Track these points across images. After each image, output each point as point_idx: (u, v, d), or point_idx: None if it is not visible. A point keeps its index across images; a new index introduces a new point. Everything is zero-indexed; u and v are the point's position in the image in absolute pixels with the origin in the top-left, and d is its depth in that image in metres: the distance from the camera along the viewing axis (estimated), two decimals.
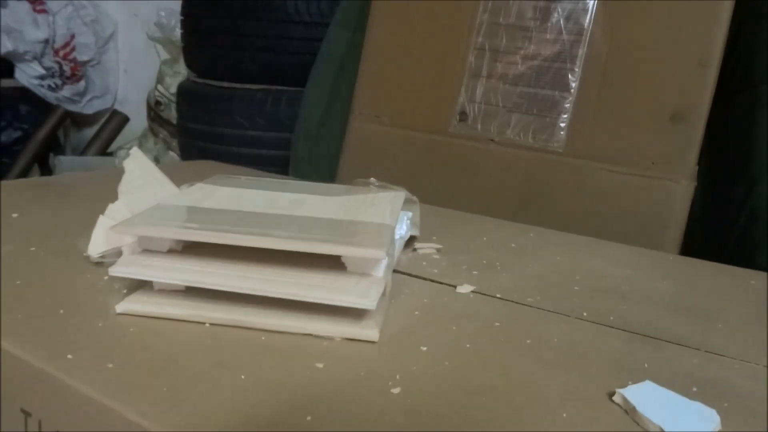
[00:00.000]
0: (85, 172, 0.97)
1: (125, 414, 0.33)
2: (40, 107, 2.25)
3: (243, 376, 0.37)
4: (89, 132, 2.43)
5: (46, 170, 2.23)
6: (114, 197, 0.57)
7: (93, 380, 0.35)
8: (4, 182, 0.74)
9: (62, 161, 2.19)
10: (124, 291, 0.48)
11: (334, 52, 1.25)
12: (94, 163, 2.24)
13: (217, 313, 0.44)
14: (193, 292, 0.46)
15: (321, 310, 0.45)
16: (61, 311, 0.43)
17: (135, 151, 0.61)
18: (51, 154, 2.25)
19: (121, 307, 0.44)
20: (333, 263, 0.47)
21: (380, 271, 0.47)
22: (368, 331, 0.44)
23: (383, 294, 0.47)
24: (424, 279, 0.55)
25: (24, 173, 2.14)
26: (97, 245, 0.53)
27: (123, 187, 0.58)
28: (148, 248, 0.48)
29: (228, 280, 0.45)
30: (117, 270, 0.45)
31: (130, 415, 0.32)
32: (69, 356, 0.37)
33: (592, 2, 0.97)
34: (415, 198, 0.62)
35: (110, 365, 0.37)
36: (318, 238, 0.47)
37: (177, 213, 0.51)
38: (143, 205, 0.54)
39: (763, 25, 0.93)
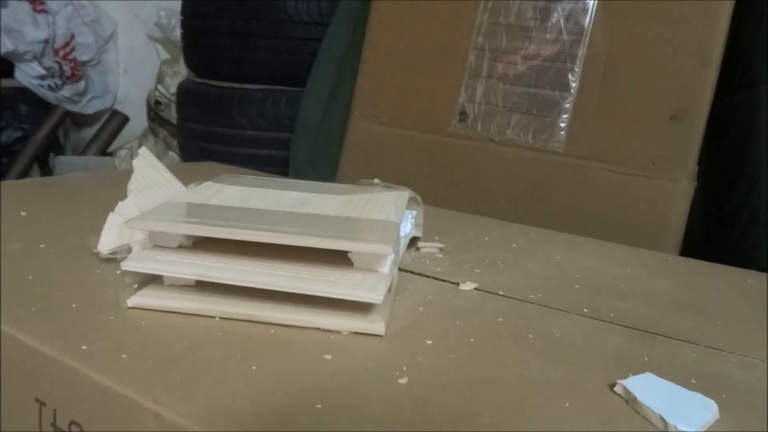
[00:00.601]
0: (87, 171, 0.97)
1: (141, 402, 0.33)
2: (40, 107, 2.25)
3: (254, 367, 0.37)
4: (89, 132, 2.43)
5: (46, 170, 2.23)
6: (119, 196, 0.57)
7: (108, 370, 0.36)
8: (11, 182, 0.75)
9: (62, 161, 2.19)
10: (135, 286, 0.48)
11: (334, 52, 1.25)
12: (94, 163, 2.24)
13: (226, 307, 0.45)
14: (202, 287, 0.47)
15: (329, 305, 0.45)
16: (74, 305, 0.44)
17: (144, 151, 0.62)
18: (51, 154, 2.25)
19: (132, 301, 0.45)
20: (340, 260, 0.47)
21: (386, 267, 0.47)
22: (375, 325, 0.44)
23: (389, 290, 0.47)
24: (428, 277, 0.56)
25: (24, 173, 2.14)
26: (107, 242, 0.53)
27: (132, 185, 0.58)
28: (158, 244, 0.49)
29: (238, 274, 0.45)
30: (129, 265, 0.46)
31: (146, 403, 0.33)
32: (83, 347, 0.38)
33: (592, 2, 0.97)
34: (418, 198, 0.62)
35: (124, 356, 0.37)
36: (326, 234, 0.47)
37: (187, 210, 0.52)
38: (152, 203, 0.55)
39: (763, 25, 0.93)
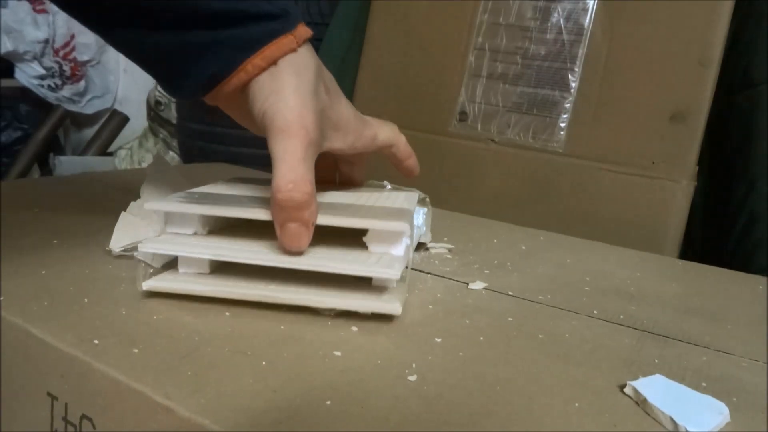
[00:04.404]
0: (94, 171, 0.97)
1: (152, 396, 0.33)
2: (40, 107, 2.25)
3: (264, 363, 0.37)
4: (89, 132, 2.43)
5: (46, 170, 2.23)
6: (128, 195, 0.57)
7: (119, 364, 0.36)
8: (20, 180, 0.75)
9: (62, 161, 2.19)
10: (150, 270, 0.49)
11: (334, 52, 1.25)
12: (94, 163, 2.25)
13: (241, 290, 0.45)
14: (217, 273, 0.48)
15: (344, 286, 0.46)
16: (86, 300, 0.44)
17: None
18: (51, 154, 2.26)
19: (147, 285, 0.45)
20: (354, 243, 0.48)
21: (401, 248, 0.48)
22: (391, 305, 0.45)
23: (403, 279, 0.48)
24: (437, 275, 0.56)
25: (24, 173, 2.14)
26: (119, 239, 0.53)
27: (145, 187, 0.59)
28: (174, 231, 0.49)
29: (254, 254, 0.46)
30: (145, 247, 0.46)
31: (157, 397, 0.33)
32: (95, 341, 0.38)
33: (592, 2, 0.97)
34: (428, 200, 0.62)
35: (135, 350, 0.37)
36: (342, 214, 0.48)
37: (204, 197, 0.52)
38: None
39: (763, 25, 0.94)
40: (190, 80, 0.52)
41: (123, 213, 0.55)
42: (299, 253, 0.46)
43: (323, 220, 0.46)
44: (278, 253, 0.46)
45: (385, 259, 0.47)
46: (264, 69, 0.49)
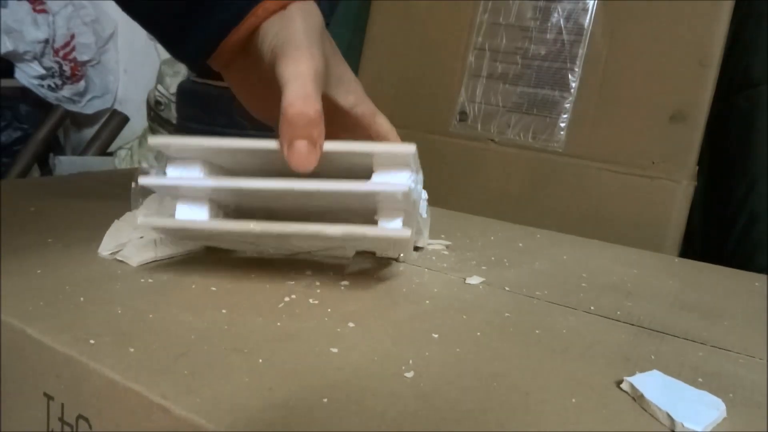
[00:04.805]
0: (92, 171, 0.97)
1: (148, 396, 0.33)
2: (40, 107, 2.25)
3: (260, 360, 0.37)
4: (89, 132, 2.43)
5: (46, 170, 2.23)
6: (126, 195, 0.57)
7: (115, 364, 0.36)
8: (18, 180, 0.76)
9: (62, 161, 2.19)
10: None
11: None
12: (94, 163, 2.25)
13: (244, 225, 0.46)
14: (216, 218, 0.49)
15: (351, 218, 0.46)
16: (82, 299, 0.44)
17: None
18: (51, 154, 2.26)
19: (142, 220, 0.46)
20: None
21: (409, 176, 0.47)
22: (402, 231, 0.45)
23: (417, 230, 0.49)
24: (434, 271, 0.56)
25: (24, 173, 2.14)
26: (108, 243, 0.54)
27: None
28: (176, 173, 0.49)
29: (259, 182, 0.46)
30: (146, 180, 0.47)
31: (153, 397, 0.33)
32: (91, 341, 0.38)
33: (592, 2, 0.97)
34: (426, 198, 0.62)
35: (131, 350, 0.37)
36: (348, 145, 0.48)
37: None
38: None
39: (763, 25, 0.93)
40: (201, 32, 0.53)
41: (116, 221, 0.56)
42: (306, 176, 0.45)
43: (329, 146, 0.46)
44: (283, 180, 0.46)
45: (392, 180, 0.46)
46: (274, 12, 0.50)
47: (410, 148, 0.45)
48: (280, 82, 0.47)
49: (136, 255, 0.51)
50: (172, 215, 0.49)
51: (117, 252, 0.53)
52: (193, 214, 0.49)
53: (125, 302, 0.44)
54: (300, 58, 0.47)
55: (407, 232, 0.45)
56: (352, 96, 0.55)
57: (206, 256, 0.55)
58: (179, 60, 0.60)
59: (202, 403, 0.33)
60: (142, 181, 0.47)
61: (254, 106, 0.58)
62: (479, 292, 0.52)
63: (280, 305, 0.46)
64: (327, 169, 0.46)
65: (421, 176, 0.55)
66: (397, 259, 0.58)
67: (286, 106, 0.45)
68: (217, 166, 0.50)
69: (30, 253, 0.53)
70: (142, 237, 0.54)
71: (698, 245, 1.03)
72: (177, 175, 0.48)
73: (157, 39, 0.58)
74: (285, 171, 0.45)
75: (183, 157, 0.48)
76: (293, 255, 0.57)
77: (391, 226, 0.46)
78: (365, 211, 0.48)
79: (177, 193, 0.49)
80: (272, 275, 0.52)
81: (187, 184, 0.48)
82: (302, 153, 0.45)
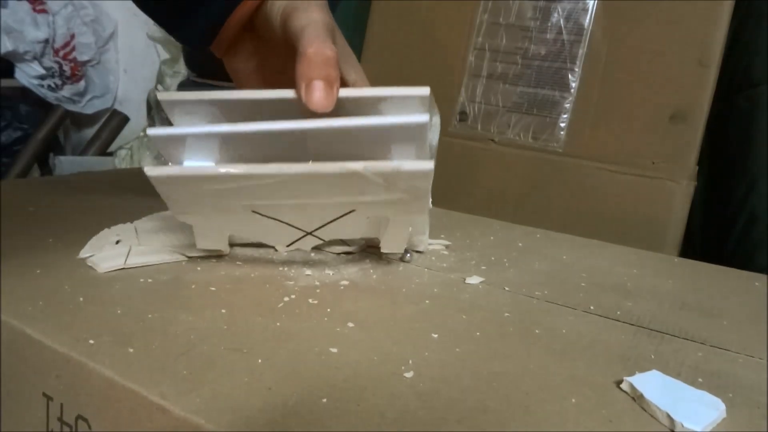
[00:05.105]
0: (92, 171, 0.97)
1: (147, 396, 0.33)
2: (40, 107, 2.25)
3: (259, 360, 0.37)
4: (89, 132, 2.43)
5: (46, 170, 2.23)
6: (126, 196, 0.57)
7: (115, 364, 0.36)
8: (18, 180, 0.76)
9: (62, 161, 2.19)
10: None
11: None
12: (94, 163, 2.25)
13: (259, 169, 0.45)
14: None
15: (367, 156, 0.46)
16: (81, 299, 0.44)
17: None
18: (51, 154, 2.26)
19: (149, 170, 0.45)
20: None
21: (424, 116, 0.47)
22: (423, 164, 0.45)
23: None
24: (434, 271, 0.56)
25: (24, 173, 2.14)
26: (87, 250, 0.53)
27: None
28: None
29: (277, 124, 0.45)
30: (154, 131, 0.47)
31: (153, 397, 0.33)
32: (90, 341, 0.38)
33: (592, 2, 0.97)
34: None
35: (131, 350, 0.37)
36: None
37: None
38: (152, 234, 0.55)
39: (763, 25, 0.93)
40: (207, 9, 0.53)
41: (106, 229, 0.56)
42: (323, 116, 0.46)
43: (343, 93, 0.46)
44: (299, 120, 0.45)
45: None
46: None
47: (424, 90, 0.45)
48: (293, 34, 0.48)
49: (104, 262, 0.50)
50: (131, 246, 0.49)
51: (93, 256, 0.52)
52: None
53: (124, 302, 0.44)
54: (312, 9, 0.49)
55: (430, 165, 0.45)
56: (354, 72, 0.56)
57: (206, 256, 0.55)
58: (183, 42, 0.60)
59: (201, 403, 0.33)
60: (151, 132, 0.47)
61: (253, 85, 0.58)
62: (479, 292, 0.52)
63: (280, 305, 0.46)
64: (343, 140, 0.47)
65: (437, 120, 0.54)
66: (400, 258, 0.58)
67: (305, 45, 0.46)
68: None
69: (30, 253, 0.53)
70: (119, 242, 0.54)
71: (698, 245, 1.03)
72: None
73: (159, 22, 0.58)
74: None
75: (191, 113, 0.48)
76: (295, 252, 0.57)
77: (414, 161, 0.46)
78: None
79: (184, 149, 0.48)
80: (272, 275, 0.52)
81: (197, 131, 0.47)
82: (321, 92, 0.45)
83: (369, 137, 0.46)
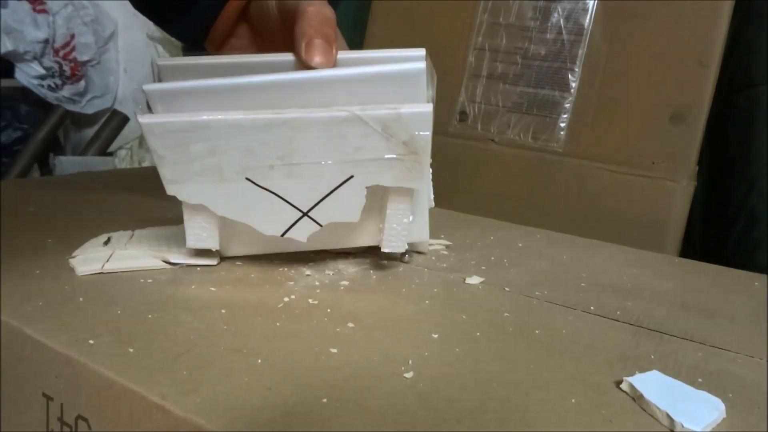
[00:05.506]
0: (91, 171, 0.97)
1: (147, 396, 0.33)
2: (40, 107, 2.25)
3: (259, 360, 0.37)
4: (89, 132, 2.43)
5: (46, 170, 2.23)
6: (126, 196, 0.57)
7: (115, 364, 0.36)
8: (18, 180, 0.75)
9: (62, 161, 2.19)
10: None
11: None
12: (94, 163, 2.25)
13: (252, 116, 0.45)
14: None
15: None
16: (80, 299, 0.44)
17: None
18: (51, 154, 2.26)
19: (143, 118, 0.45)
20: None
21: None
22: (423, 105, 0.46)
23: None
24: (434, 271, 0.56)
25: (24, 173, 2.14)
26: (76, 251, 0.53)
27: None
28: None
29: (280, 76, 0.46)
30: (153, 87, 0.46)
31: (153, 397, 0.33)
32: (90, 341, 0.38)
33: (592, 2, 0.97)
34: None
35: (131, 350, 0.37)
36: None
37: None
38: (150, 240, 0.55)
39: (763, 25, 0.93)
40: (201, 4, 0.54)
41: (101, 236, 0.56)
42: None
43: (342, 54, 0.47)
44: (301, 72, 0.46)
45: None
46: None
47: (420, 51, 0.46)
48: (291, 6, 0.49)
49: (82, 265, 0.50)
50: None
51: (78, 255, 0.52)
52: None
53: (124, 303, 0.44)
54: None
55: (428, 107, 0.45)
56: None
57: (192, 265, 0.55)
58: (178, 37, 0.60)
59: (201, 403, 0.33)
60: (147, 87, 0.46)
61: None
62: (479, 292, 0.52)
63: (280, 305, 0.46)
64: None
65: (434, 79, 0.54)
66: (400, 259, 0.58)
67: (306, 6, 0.47)
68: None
69: (30, 253, 0.53)
70: (107, 243, 0.54)
71: (698, 245, 1.03)
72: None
73: (153, 19, 0.58)
74: None
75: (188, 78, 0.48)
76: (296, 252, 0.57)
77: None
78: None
79: (180, 108, 0.48)
80: (271, 276, 0.52)
81: (196, 86, 0.46)
82: (321, 48, 0.46)
83: (366, 91, 0.46)
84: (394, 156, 0.47)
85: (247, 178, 0.48)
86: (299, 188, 0.49)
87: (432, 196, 0.58)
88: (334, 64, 0.47)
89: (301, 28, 0.46)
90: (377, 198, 0.52)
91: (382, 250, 0.53)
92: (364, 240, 0.55)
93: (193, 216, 0.50)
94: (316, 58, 0.46)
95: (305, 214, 0.50)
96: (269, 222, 0.51)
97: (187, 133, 0.46)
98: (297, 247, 0.52)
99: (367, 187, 0.49)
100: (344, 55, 0.48)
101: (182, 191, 0.48)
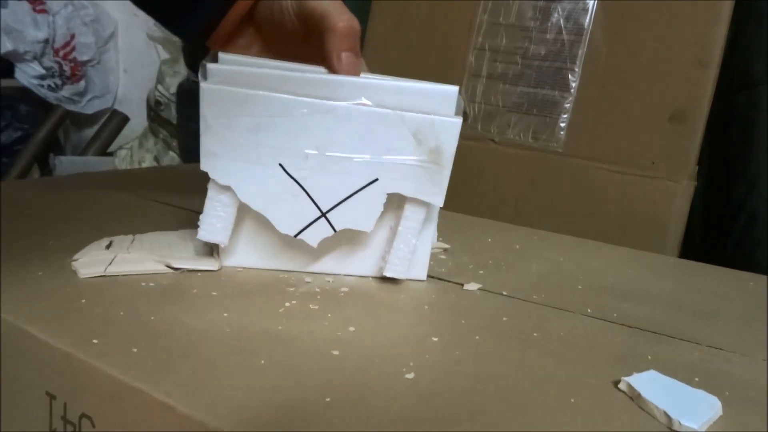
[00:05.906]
0: (94, 172, 0.97)
1: (151, 394, 0.33)
2: (40, 107, 2.25)
3: (262, 362, 0.38)
4: (89, 132, 2.43)
5: (46, 170, 2.23)
6: (127, 197, 0.57)
7: (118, 364, 0.36)
8: (18, 181, 0.75)
9: (62, 161, 2.19)
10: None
11: None
12: (94, 163, 2.25)
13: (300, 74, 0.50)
14: None
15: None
16: (83, 300, 0.44)
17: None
18: (51, 154, 2.26)
19: (204, 83, 0.48)
20: None
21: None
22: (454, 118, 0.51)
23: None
24: (432, 277, 0.56)
25: (24, 173, 2.14)
26: (79, 253, 0.53)
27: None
28: None
29: (328, 76, 0.51)
30: (211, 64, 0.50)
31: (157, 396, 0.33)
32: (94, 341, 0.38)
33: (592, 2, 0.97)
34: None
35: (134, 350, 0.38)
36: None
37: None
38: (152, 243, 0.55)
39: (763, 25, 0.94)
40: (208, 4, 0.55)
41: (103, 239, 0.56)
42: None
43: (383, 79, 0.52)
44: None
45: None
46: None
47: (454, 87, 0.51)
48: (316, 13, 0.52)
49: (85, 267, 0.50)
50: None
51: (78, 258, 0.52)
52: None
53: (127, 305, 0.44)
54: None
55: (458, 119, 0.51)
56: None
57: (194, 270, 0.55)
58: (180, 36, 0.60)
59: (205, 402, 0.33)
60: (209, 64, 0.49)
61: None
62: (477, 297, 0.53)
63: (281, 310, 0.46)
64: None
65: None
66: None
67: (336, 21, 0.50)
68: None
69: (30, 254, 0.53)
70: (109, 246, 0.54)
71: (698, 245, 1.03)
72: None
73: (156, 17, 0.58)
74: None
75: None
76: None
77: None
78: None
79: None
80: (272, 282, 0.52)
81: (250, 71, 0.49)
82: (351, 63, 0.51)
83: (407, 100, 0.51)
84: (420, 162, 0.51)
85: (280, 164, 0.50)
86: (326, 183, 0.50)
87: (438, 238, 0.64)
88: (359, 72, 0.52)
89: (333, 43, 0.50)
90: (386, 220, 0.53)
91: (384, 273, 0.53)
92: (363, 268, 0.55)
93: (214, 203, 0.50)
94: (347, 71, 0.51)
95: (323, 214, 0.51)
96: (287, 217, 0.51)
97: (239, 105, 0.48)
98: (295, 266, 0.54)
99: (387, 194, 0.51)
100: (385, 80, 0.52)
101: (215, 167, 0.49)
